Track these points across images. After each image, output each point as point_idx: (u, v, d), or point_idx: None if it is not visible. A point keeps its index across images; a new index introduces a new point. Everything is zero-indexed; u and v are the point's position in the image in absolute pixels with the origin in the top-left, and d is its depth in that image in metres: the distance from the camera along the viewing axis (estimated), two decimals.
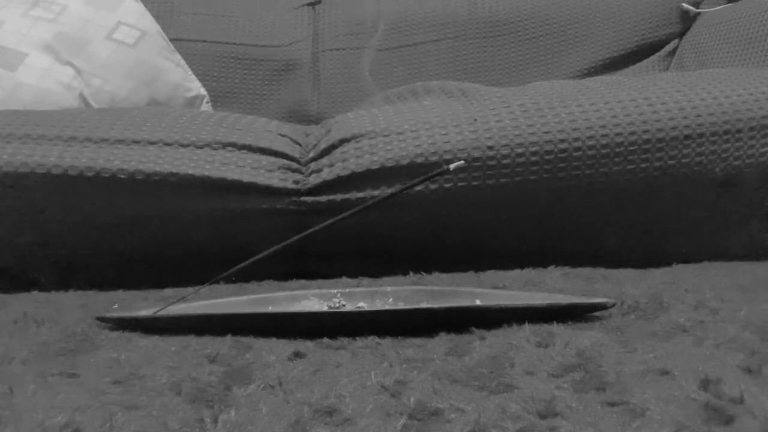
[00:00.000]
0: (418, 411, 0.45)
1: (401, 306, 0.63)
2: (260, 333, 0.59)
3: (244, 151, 0.78)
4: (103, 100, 1.23)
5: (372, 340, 0.58)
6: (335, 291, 0.65)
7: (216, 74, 1.44)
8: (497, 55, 1.46)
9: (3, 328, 0.62)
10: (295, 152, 0.81)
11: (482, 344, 0.56)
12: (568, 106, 0.78)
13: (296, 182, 0.78)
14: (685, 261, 0.77)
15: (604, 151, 0.75)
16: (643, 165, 0.75)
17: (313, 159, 0.80)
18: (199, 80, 1.39)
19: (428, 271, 0.76)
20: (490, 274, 0.74)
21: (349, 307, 0.63)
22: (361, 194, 0.76)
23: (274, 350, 0.56)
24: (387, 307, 0.63)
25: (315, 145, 0.81)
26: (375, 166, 0.75)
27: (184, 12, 1.48)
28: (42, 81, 1.18)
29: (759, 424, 0.42)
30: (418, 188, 0.74)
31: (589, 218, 0.79)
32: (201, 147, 0.78)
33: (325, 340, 0.58)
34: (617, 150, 0.75)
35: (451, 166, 0.61)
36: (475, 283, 0.72)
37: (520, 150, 0.75)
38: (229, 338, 0.58)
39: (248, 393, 0.49)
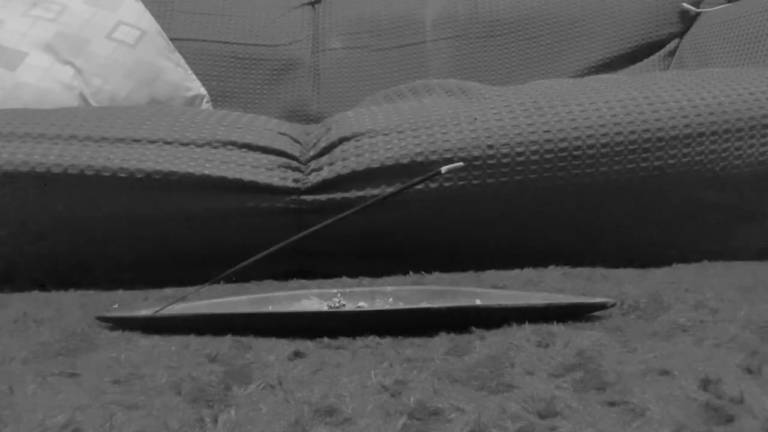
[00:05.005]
0: (418, 411, 0.45)
1: (401, 306, 0.63)
2: (260, 333, 0.59)
3: (244, 150, 0.78)
4: (103, 100, 1.23)
5: (372, 339, 0.58)
6: (335, 291, 0.65)
7: (216, 74, 1.44)
8: (497, 55, 1.45)
9: (3, 328, 0.62)
10: (296, 151, 0.81)
11: (482, 344, 0.56)
12: (568, 105, 0.78)
13: (296, 181, 0.78)
14: (685, 261, 0.77)
15: (604, 151, 0.75)
16: (643, 164, 0.75)
17: (314, 157, 0.80)
18: (199, 80, 1.39)
19: (428, 271, 0.76)
20: (490, 274, 0.74)
21: (349, 307, 0.63)
22: (361, 193, 0.76)
23: (274, 350, 0.56)
24: (387, 307, 0.63)
25: (315, 144, 0.81)
26: (375, 165, 0.75)
27: (184, 12, 1.48)
28: (42, 80, 1.18)
29: (759, 424, 0.42)
30: (418, 187, 0.74)
31: (590, 218, 0.78)
32: (201, 146, 0.78)
33: (325, 339, 0.58)
34: (617, 149, 0.75)
35: (444, 168, 0.61)
36: (475, 283, 0.72)
37: (520, 149, 0.75)
38: (229, 338, 0.58)
39: (248, 393, 0.49)
